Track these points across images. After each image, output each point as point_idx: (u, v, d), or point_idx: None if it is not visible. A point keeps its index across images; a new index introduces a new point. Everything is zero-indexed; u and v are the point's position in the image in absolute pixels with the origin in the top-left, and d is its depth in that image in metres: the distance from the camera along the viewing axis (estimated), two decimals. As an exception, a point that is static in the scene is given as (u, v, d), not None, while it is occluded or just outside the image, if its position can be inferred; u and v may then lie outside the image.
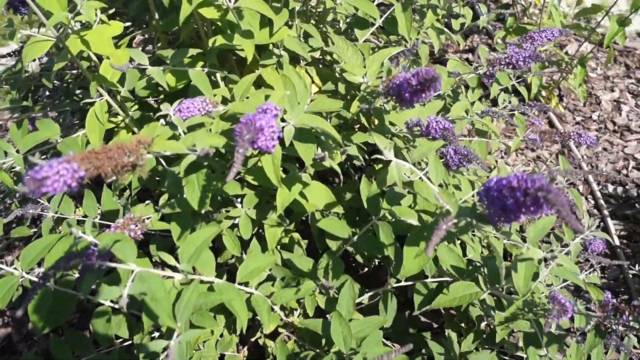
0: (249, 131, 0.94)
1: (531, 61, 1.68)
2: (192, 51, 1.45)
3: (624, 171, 2.74)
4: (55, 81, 2.00)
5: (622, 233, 2.45)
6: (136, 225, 1.27)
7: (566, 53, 3.24)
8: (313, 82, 1.66)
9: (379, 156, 1.16)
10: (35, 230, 2.03)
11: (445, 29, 1.82)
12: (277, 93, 1.27)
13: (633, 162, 2.77)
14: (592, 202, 2.62)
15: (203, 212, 1.22)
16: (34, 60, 1.78)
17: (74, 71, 1.96)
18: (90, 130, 1.58)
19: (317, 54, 1.70)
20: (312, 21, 1.82)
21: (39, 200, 1.95)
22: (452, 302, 1.41)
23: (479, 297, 1.42)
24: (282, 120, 1.18)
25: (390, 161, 1.16)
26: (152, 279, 1.08)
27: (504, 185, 0.90)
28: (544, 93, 2.97)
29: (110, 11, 1.51)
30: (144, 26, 1.98)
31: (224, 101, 1.45)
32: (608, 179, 2.71)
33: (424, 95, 1.11)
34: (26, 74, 1.80)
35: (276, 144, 1.03)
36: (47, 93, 2.31)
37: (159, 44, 1.86)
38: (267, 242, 1.63)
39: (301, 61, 1.65)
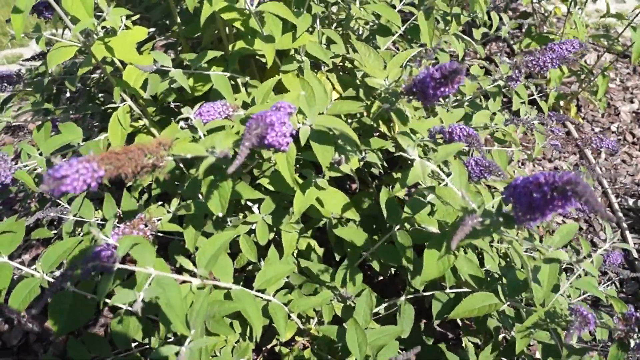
0: (258, 126, 0.91)
1: (558, 62, 1.65)
2: (213, 53, 1.43)
3: (644, 183, 2.68)
4: (79, 84, 1.99)
5: (641, 247, 2.39)
6: (146, 226, 1.25)
7: (585, 62, 3.18)
8: (334, 88, 1.63)
9: (402, 154, 1.13)
10: (55, 232, 2.01)
11: (467, 38, 1.78)
12: (292, 93, 1.25)
13: (653, 175, 2.71)
14: (611, 215, 2.56)
15: (220, 215, 1.19)
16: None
17: (96, 75, 1.95)
18: (112, 134, 1.56)
19: (338, 61, 1.68)
20: (333, 27, 1.80)
21: (59, 202, 1.94)
22: (471, 312, 1.37)
23: (498, 308, 1.38)
24: (300, 122, 1.16)
25: (413, 160, 1.13)
26: (168, 284, 1.06)
27: (530, 182, 0.87)
28: (562, 103, 2.91)
29: (134, 17, 1.50)
30: (167, 31, 1.97)
31: (245, 106, 1.42)
32: (627, 191, 2.65)
33: (448, 89, 1.08)
34: (49, 77, 1.79)
35: (289, 141, 1.00)
36: (68, 95, 2.31)
37: (181, 49, 1.85)
38: (283, 248, 1.61)
39: (322, 67, 1.62)
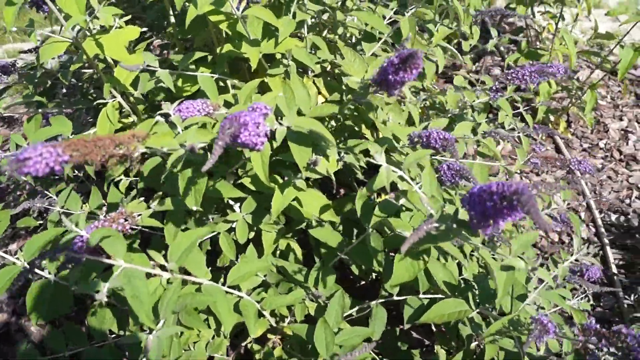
0: (232, 125, 0.94)
1: (537, 76, 1.68)
2: (199, 54, 1.46)
3: (627, 200, 2.70)
4: (73, 79, 2.03)
5: (621, 263, 2.41)
6: (126, 220, 1.28)
7: (577, 79, 3.21)
8: (320, 93, 1.66)
9: (370, 160, 1.16)
10: (41, 222, 2.05)
11: (452, 48, 1.81)
12: (269, 94, 1.29)
13: (637, 192, 2.74)
14: (593, 229, 2.59)
15: (194, 209, 1.22)
16: (53, 58, 1.81)
17: (90, 70, 1.98)
18: (100, 128, 1.60)
19: (327, 67, 1.71)
20: (325, 34, 1.83)
21: (47, 193, 1.98)
22: (441, 317, 1.40)
23: (468, 315, 1.41)
24: (278, 123, 1.19)
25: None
26: (135, 276, 1.09)
27: (484, 191, 0.90)
28: (552, 118, 2.94)
29: (126, 17, 1.53)
30: (163, 31, 2.00)
31: (228, 105, 1.45)
32: (610, 207, 2.68)
33: (406, 75, 1.10)
34: (43, 71, 1.82)
35: (264, 141, 1.03)
36: (65, 90, 2.35)
37: (176, 50, 1.88)
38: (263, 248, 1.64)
39: (309, 72, 1.65)
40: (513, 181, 0.86)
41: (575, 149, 2.97)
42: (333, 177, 1.39)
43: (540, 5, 2.79)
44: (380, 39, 1.66)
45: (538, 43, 2.86)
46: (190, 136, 1.04)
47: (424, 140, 1.38)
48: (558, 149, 2.94)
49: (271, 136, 1.15)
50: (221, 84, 1.66)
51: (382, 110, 1.51)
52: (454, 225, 0.97)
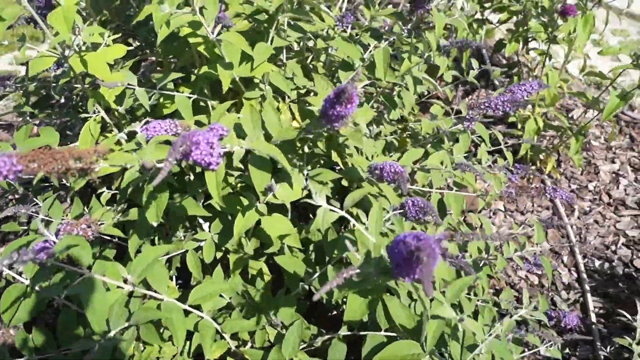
0: (183, 144, 0.99)
1: (510, 105, 1.72)
2: (174, 75, 1.53)
3: (613, 247, 2.70)
4: (67, 91, 2.10)
5: (601, 311, 2.40)
6: (89, 227, 1.33)
7: (571, 118, 3.25)
8: (295, 118, 1.71)
9: (308, 200, 1.20)
10: (26, 228, 2.10)
11: (429, 79, 1.86)
12: (229, 117, 1.34)
13: (623, 239, 2.74)
14: (575, 274, 2.59)
15: (161, 223, 1.27)
16: (48, 70, 1.89)
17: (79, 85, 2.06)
18: (82, 142, 1.66)
19: (303, 92, 1.76)
20: (310, 60, 1.89)
21: (35, 200, 2.04)
22: (395, 359, 1.41)
23: (420, 359, 1.42)
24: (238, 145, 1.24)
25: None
26: (93, 285, 1.14)
27: (401, 241, 0.91)
28: (542, 157, 2.97)
29: (116, 36, 1.60)
30: (155, 49, 2.08)
31: (201, 125, 1.51)
32: (595, 253, 2.68)
33: (342, 109, 1.15)
34: (34, 83, 1.90)
35: (219, 161, 1.08)
36: (63, 101, 2.43)
37: (163, 68, 1.95)
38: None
39: (286, 98, 1.71)
40: (424, 234, 0.88)
41: (563, 190, 2.98)
42: (289, 206, 1.43)
43: (534, 42, 2.85)
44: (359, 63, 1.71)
45: (530, 79, 2.90)
46: (147, 153, 1.09)
47: (378, 173, 1.42)
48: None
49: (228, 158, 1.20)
50: (202, 104, 1.73)
51: (362, 123, 1.54)
52: (377, 272, 0.99)
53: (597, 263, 2.63)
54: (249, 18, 1.65)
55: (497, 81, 3.39)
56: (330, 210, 1.23)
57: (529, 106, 2.77)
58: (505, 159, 2.31)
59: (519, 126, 2.83)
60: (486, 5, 2.83)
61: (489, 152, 2.10)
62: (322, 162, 1.74)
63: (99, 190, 1.86)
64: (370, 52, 1.68)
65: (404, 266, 0.90)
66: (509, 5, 2.71)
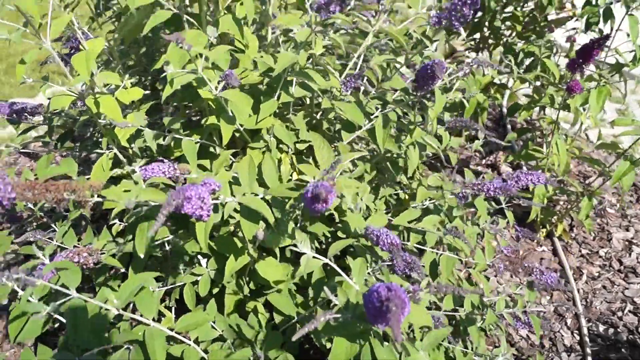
0: (177, 198, 1.13)
1: (500, 193, 1.82)
2: (180, 119, 1.69)
3: (619, 313, 2.73)
4: (90, 127, 2.30)
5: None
6: (90, 255, 1.48)
7: (588, 184, 3.30)
8: (295, 170, 1.85)
9: (293, 248, 1.32)
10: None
11: (432, 144, 1.97)
12: (225, 174, 1.48)
13: (631, 306, 2.77)
14: (578, 337, 2.62)
15: (142, 257, 1.41)
16: (74, 106, 2.08)
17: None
18: (94, 175, 1.82)
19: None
20: (318, 116, 2.04)
21: (53, 227, 2.21)
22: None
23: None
24: (229, 197, 1.38)
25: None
26: (78, 307, 1.27)
27: (374, 291, 1.03)
28: (553, 220, 3.03)
29: (132, 80, 1.78)
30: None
31: (204, 169, 1.66)
32: (600, 318, 2.71)
33: (320, 205, 1.26)
34: (59, 118, 2.08)
35: (209, 214, 1.22)
36: (87, 136, 2.63)
37: (179, 113, 2.12)
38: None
39: (289, 150, 1.84)
40: (395, 286, 0.99)
41: (574, 254, 3.04)
42: (278, 253, 1.55)
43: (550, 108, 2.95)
44: (360, 127, 1.84)
45: (544, 146, 2.98)
46: (141, 194, 1.23)
47: (375, 239, 1.53)
48: (555, 252, 3.02)
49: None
50: (211, 149, 1.88)
51: (348, 196, 1.67)
52: (354, 317, 1.10)
53: (602, 328, 2.66)
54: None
55: (516, 145, 3.48)
56: (314, 257, 1.35)
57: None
58: (509, 221, 2.40)
59: (530, 188, 2.91)
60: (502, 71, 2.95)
61: (495, 213, 2.19)
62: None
63: (111, 222, 2.02)
64: (375, 115, 1.81)
65: (376, 314, 1.02)
66: (519, 75, 2.84)
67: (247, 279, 1.84)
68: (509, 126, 3.91)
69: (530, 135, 3.10)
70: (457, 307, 2.00)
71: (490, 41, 3.46)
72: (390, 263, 1.67)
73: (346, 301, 1.12)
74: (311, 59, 1.88)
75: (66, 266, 1.32)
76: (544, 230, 3.07)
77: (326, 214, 1.81)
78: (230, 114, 1.60)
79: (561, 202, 3.21)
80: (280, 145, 1.83)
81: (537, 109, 3.00)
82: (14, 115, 2.06)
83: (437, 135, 2.29)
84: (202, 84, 1.54)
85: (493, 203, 2.42)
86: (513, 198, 2.59)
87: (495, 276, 2.89)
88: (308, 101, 2.11)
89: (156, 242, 1.72)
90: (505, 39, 3.38)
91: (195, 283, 1.79)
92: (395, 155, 2.00)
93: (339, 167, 1.58)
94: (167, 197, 1.15)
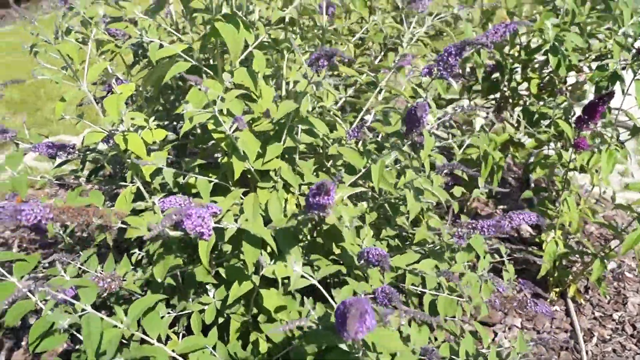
0: (177, 214, 1.32)
1: (493, 231, 1.97)
2: (199, 161, 1.90)
3: (629, 378, 2.78)
4: (118, 164, 2.54)
5: None
6: (113, 280, 1.67)
7: (609, 247, 3.37)
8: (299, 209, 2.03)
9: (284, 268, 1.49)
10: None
11: (431, 189, 2.13)
12: (226, 201, 1.67)
13: (642, 372, 2.81)
14: (583, 398, 2.68)
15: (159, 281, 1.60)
16: (104, 142, 2.32)
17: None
18: (118, 206, 2.03)
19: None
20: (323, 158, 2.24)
21: (79, 252, 2.44)
22: None
23: None
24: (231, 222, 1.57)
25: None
26: (93, 320, 1.46)
27: (343, 301, 1.19)
28: (567, 279, 3.11)
29: (157, 122, 2.01)
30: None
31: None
32: (608, 380, 2.76)
33: (321, 199, 1.43)
34: (92, 153, 2.32)
35: (210, 233, 1.41)
36: (117, 170, 2.88)
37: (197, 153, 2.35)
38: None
39: (295, 191, 2.03)
40: (361, 298, 1.15)
41: (586, 316, 3.10)
42: (280, 281, 1.72)
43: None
44: (361, 170, 2.03)
45: (557, 203, 3.08)
46: (154, 219, 1.43)
47: (365, 257, 1.69)
48: (568, 312, 3.09)
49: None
50: (225, 187, 2.08)
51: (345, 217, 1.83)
52: (325, 327, 1.26)
53: (610, 393, 2.71)
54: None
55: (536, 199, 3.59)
56: (302, 276, 1.52)
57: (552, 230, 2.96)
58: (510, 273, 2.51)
59: (543, 246, 3.01)
60: (519, 129, 3.12)
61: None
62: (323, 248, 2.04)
63: (131, 251, 2.22)
64: (373, 159, 1.99)
65: (341, 320, 1.18)
66: (527, 132, 3.00)
67: (252, 308, 2.01)
68: (532, 184, 4.04)
69: (547, 194, 3.22)
70: (453, 357, 2.11)
71: (510, 100, 3.64)
72: (372, 296, 1.82)
73: (323, 314, 1.28)
74: (321, 110, 2.09)
75: (84, 284, 1.52)
76: (557, 289, 3.15)
77: (332, 249, 1.99)
78: (242, 152, 1.80)
79: (577, 264, 3.29)
80: (289, 187, 2.03)
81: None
82: (50, 151, 2.31)
83: (448, 186, 2.46)
84: (217, 123, 1.75)
85: (496, 255, 2.55)
86: (514, 252, 2.73)
87: (504, 332, 2.97)
88: (321, 150, 2.32)
89: (170, 273, 1.91)
90: (524, 99, 3.55)
91: (203, 311, 1.96)
92: (394, 200, 2.16)
93: (339, 198, 1.76)
94: (167, 213, 1.35)
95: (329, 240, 1.97)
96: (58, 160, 2.43)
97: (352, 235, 1.83)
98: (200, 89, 1.60)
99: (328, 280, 2.14)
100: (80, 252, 2.42)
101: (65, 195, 4.05)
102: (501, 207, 4.00)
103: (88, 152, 2.44)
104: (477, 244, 2.14)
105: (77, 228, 1.35)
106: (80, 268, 2.25)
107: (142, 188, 2.08)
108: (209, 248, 1.53)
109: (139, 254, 2.20)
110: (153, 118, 1.97)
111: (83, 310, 1.50)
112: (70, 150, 2.45)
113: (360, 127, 2.01)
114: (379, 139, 2.21)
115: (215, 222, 1.54)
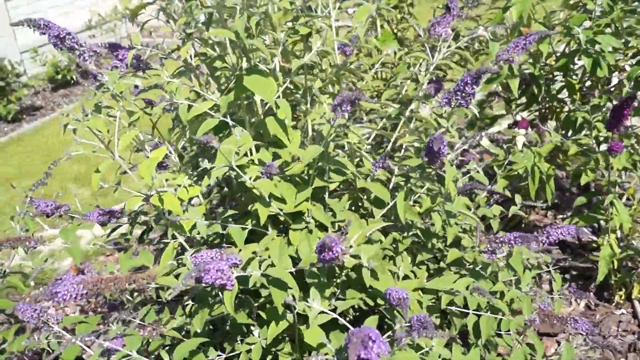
0: (196, 272, 1.47)
1: (520, 242, 2.02)
2: (230, 212, 2.05)
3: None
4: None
5: None
6: (154, 329, 1.84)
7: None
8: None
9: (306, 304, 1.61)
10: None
11: (465, 212, 2.19)
12: (246, 252, 1.81)
13: None
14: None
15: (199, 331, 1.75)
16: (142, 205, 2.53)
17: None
18: (163, 261, 2.21)
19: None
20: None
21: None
22: None
23: None
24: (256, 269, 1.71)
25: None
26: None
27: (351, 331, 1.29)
28: (630, 280, 3.07)
29: (187, 180, 2.18)
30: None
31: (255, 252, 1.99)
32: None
33: (327, 254, 1.56)
34: (137, 216, 2.52)
35: (232, 283, 1.56)
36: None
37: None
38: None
39: (329, 229, 2.14)
40: (370, 329, 1.25)
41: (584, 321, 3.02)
42: (311, 318, 1.82)
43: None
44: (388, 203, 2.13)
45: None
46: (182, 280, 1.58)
47: (387, 296, 1.78)
48: (635, 315, 3.04)
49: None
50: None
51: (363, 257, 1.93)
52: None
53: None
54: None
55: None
56: (322, 311, 1.65)
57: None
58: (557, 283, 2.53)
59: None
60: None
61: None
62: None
63: (185, 303, 2.40)
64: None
65: (347, 352, 1.27)
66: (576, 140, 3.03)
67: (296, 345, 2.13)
68: (587, 190, 4.00)
69: (601, 198, 3.20)
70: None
71: (554, 109, 3.64)
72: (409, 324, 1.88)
73: (340, 347, 1.38)
74: (349, 147, 2.22)
75: (130, 333, 1.70)
76: (621, 292, 3.11)
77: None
78: (267, 199, 1.95)
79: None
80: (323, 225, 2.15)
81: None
82: (101, 219, 2.52)
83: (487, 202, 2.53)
84: (237, 175, 1.91)
85: (549, 266, 2.56)
86: (563, 260, 2.74)
87: (568, 340, 2.95)
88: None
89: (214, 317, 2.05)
90: (568, 106, 3.55)
91: (249, 351, 2.09)
92: (424, 226, 2.25)
93: (361, 236, 1.86)
94: (189, 271, 1.50)
95: (358, 275, 2.07)
96: (110, 226, 2.65)
97: (380, 272, 1.93)
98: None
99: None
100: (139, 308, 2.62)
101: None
102: (560, 216, 3.97)
103: (134, 216, 2.65)
104: (517, 262, 2.17)
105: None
106: (140, 324, 2.45)
107: (184, 243, 2.25)
108: (233, 296, 1.66)
109: (193, 305, 2.37)
110: (187, 177, 2.14)
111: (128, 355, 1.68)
112: (119, 215, 2.66)
113: (384, 158, 2.12)
114: (405, 170, 2.30)
115: (242, 269, 1.69)
